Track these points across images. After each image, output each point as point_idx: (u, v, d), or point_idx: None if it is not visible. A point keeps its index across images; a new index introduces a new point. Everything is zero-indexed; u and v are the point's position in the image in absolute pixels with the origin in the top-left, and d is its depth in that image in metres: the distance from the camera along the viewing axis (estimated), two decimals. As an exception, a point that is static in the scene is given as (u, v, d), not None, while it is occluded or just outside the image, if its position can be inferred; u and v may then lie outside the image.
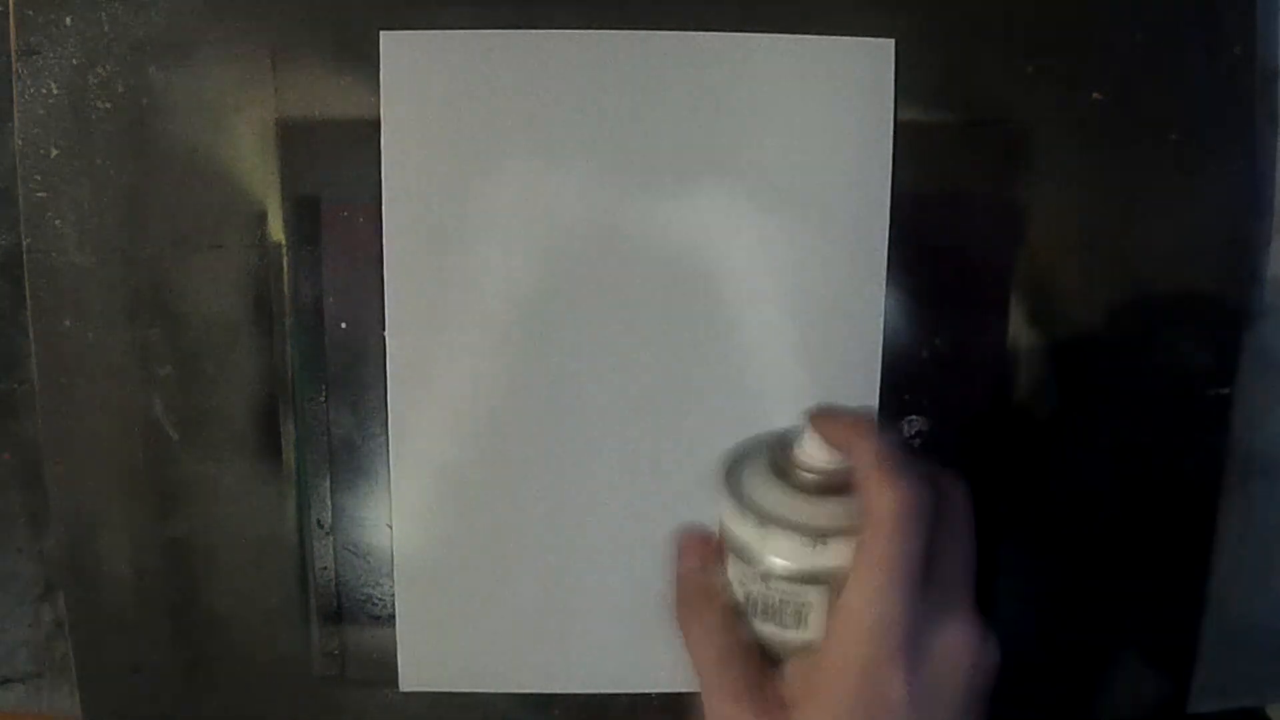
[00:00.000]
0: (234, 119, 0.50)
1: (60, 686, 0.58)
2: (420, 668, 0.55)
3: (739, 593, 0.37)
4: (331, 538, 0.54)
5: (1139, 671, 0.58)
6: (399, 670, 0.56)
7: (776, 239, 0.52)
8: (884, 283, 0.52)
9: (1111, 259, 0.53)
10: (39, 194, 0.50)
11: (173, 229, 0.51)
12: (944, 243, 0.52)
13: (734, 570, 0.37)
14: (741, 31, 0.50)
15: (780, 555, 0.35)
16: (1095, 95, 0.51)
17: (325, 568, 0.54)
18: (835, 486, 0.36)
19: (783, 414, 0.53)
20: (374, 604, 0.55)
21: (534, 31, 0.50)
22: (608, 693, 0.56)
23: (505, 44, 0.50)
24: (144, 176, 0.50)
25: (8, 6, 0.49)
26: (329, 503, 0.54)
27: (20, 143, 0.50)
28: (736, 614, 0.37)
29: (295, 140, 0.50)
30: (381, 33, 0.49)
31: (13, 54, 0.49)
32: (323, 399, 0.53)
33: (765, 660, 0.36)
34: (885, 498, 0.33)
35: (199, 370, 0.52)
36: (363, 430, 0.53)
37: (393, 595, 0.55)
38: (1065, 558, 0.56)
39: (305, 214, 0.51)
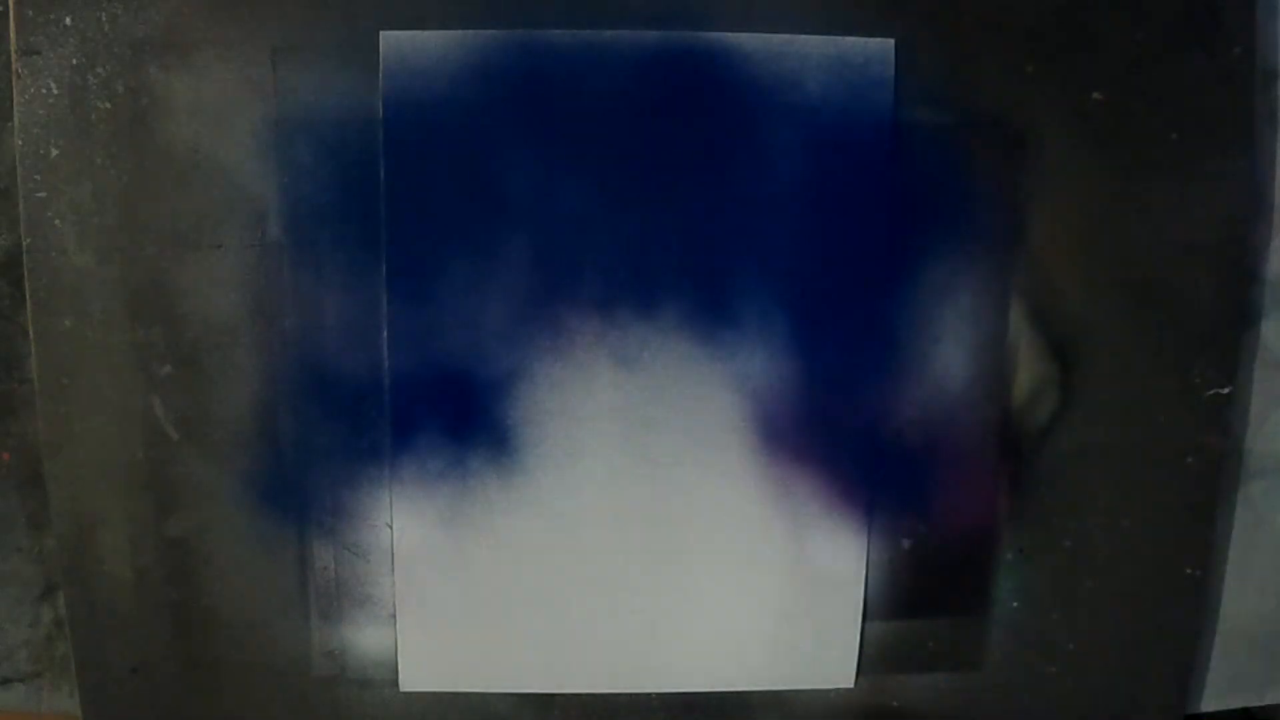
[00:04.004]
0: (234, 119, 0.50)
1: (60, 686, 0.58)
2: (420, 668, 0.56)
3: None
4: (331, 538, 0.54)
5: (1139, 671, 0.58)
6: (399, 670, 0.56)
7: (776, 239, 0.52)
8: (884, 283, 0.52)
9: (1111, 259, 0.53)
10: (39, 194, 0.50)
11: (173, 229, 0.51)
12: (944, 242, 0.52)
13: None
14: (741, 31, 0.50)
15: None
16: (1095, 95, 0.51)
17: (325, 568, 0.54)
18: None
19: (783, 414, 0.53)
20: (374, 604, 0.55)
21: (534, 32, 0.50)
22: (608, 693, 0.56)
23: (505, 44, 0.50)
24: (144, 176, 0.50)
25: (8, 6, 0.49)
26: (329, 503, 0.54)
27: (20, 143, 0.50)
28: None
29: (295, 140, 0.50)
30: (381, 33, 0.49)
31: (13, 54, 0.49)
32: (323, 399, 0.53)
33: None
34: None
35: (199, 370, 0.52)
36: (362, 431, 0.53)
37: (393, 595, 0.55)
38: (1065, 558, 0.56)
39: (305, 214, 0.51)
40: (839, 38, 0.50)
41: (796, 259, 0.52)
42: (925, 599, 0.56)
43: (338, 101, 0.50)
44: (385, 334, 0.52)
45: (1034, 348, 0.54)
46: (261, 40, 0.50)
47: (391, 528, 0.54)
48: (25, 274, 0.51)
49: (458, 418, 0.53)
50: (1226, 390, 0.54)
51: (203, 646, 0.55)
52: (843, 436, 0.54)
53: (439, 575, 0.54)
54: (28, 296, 0.51)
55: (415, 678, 0.56)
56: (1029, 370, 0.54)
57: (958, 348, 0.53)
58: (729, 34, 0.50)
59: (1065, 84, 0.51)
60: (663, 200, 0.51)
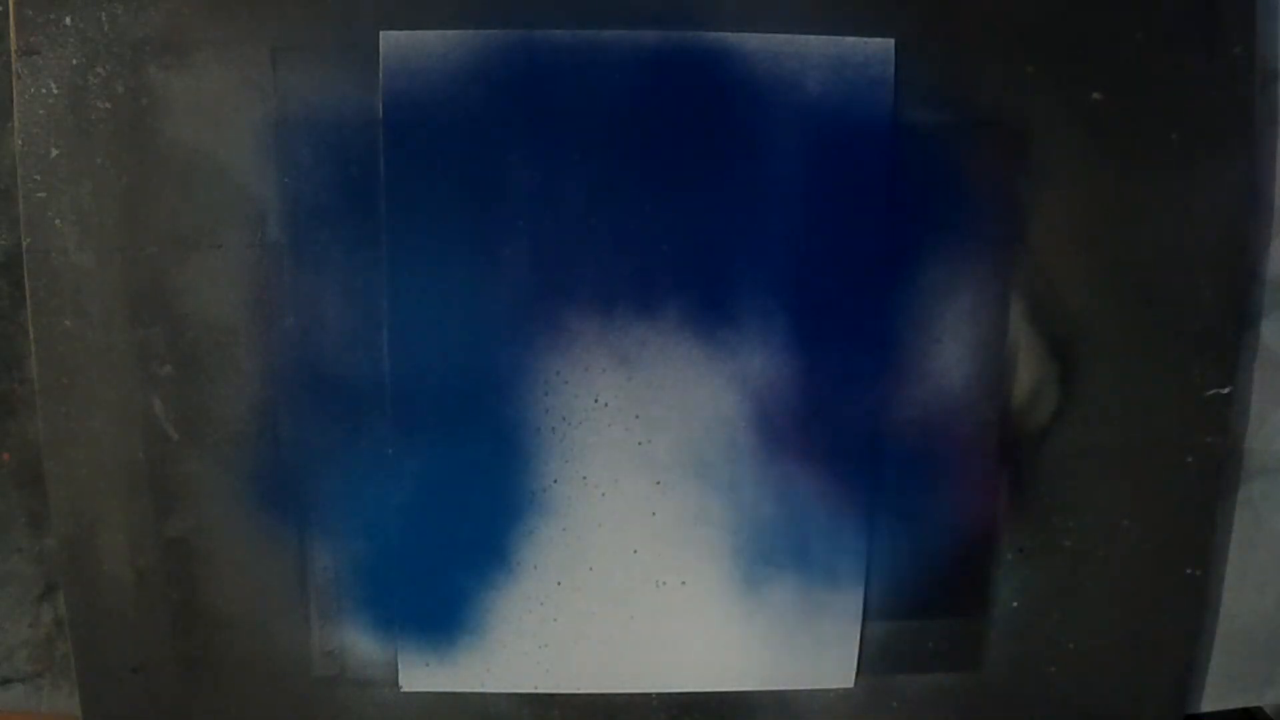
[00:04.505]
0: (234, 119, 0.50)
1: (60, 686, 0.58)
2: (420, 668, 0.56)
3: None
4: (331, 538, 0.54)
5: (1139, 671, 0.58)
6: (399, 670, 0.56)
7: (776, 239, 0.52)
8: (884, 283, 0.52)
9: (1111, 259, 0.53)
10: (39, 194, 0.50)
11: (173, 229, 0.51)
12: (944, 242, 0.52)
13: None
14: (741, 31, 0.50)
15: None
16: (1095, 95, 0.51)
17: (325, 568, 0.54)
18: None
19: (783, 414, 0.53)
20: (374, 604, 0.55)
21: (534, 32, 0.50)
22: (608, 693, 0.56)
23: (505, 44, 0.50)
24: (144, 176, 0.50)
25: (8, 6, 0.49)
26: (329, 503, 0.54)
27: (20, 143, 0.50)
28: None
29: (295, 140, 0.50)
30: (381, 33, 0.49)
31: (13, 54, 0.49)
32: (323, 398, 0.53)
33: None
34: None
35: (199, 370, 0.52)
36: (362, 431, 0.53)
37: (393, 595, 0.55)
38: (1065, 558, 0.56)
39: (305, 214, 0.51)
40: (839, 38, 0.50)
41: (796, 259, 0.52)
42: (925, 599, 0.56)
43: (338, 101, 0.50)
44: (385, 334, 0.52)
45: (1034, 348, 0.54)
46: (261, 40, 0.50)
47: (392, 528, 0.54)
48: (25, 274, 0.51)
49: (457, 417, 0.53)
50: (1226, 390, 0.54)
51: (203, 646, 0.55)
52: (843, 436, 0.54)
53: (439, 575, 0.54)
54: (28, 296, 0.51)
55: (415, 678, 0.56)
56: (1029, 370, 0.54)
57: (958, 348, 0.53)
58: (729, 34, 0.50)
59: (1065, 84, 0.51)
60: (663, 200, 0.51)
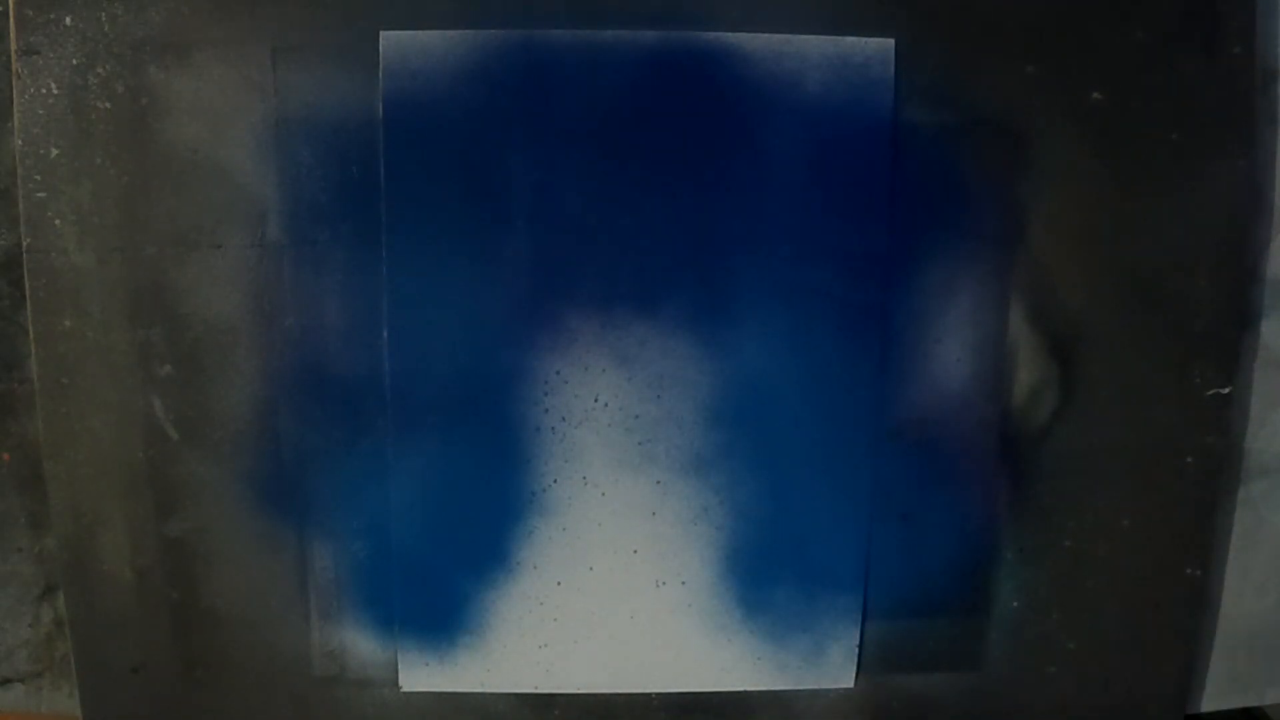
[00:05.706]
0: (234, 119, 0.50)
1: (60, 686, 0.58)
2: (420, 668, 0.56)
3: None
4: (331, 538, 0.54)
5: (1139, 671, 0.58)
6: (399, 670, 0.56)
7: (775, 238, 0.52)
8: (884, 283, 0.52)
9: (1111, 259, 0.53)
10: (39, 194, 0.50)
11: (173, 229, 0.51)
12: (944, 242, 0.52)
13: None
14: (741, 31, 0.50)
15: None
16: (1095, 95, 0.51)
17: (325, 568, 0.54)
18: None
19: (782, 415, 0.53)
20: (374, 604, 0.55)
21: (534, 32, 0.50)
22: (608, 693, 0.56)
23: (505, 44, 0.50)
24: (144, 176, 0.50)
25: (8, 6, 0.49)
26: (329, 503, 0.54)
27: (20, 143, 0.50)
28: None
29: (295, 140, 0.50)
30: (381, 33, 0.49)
31: (13, 54, 0.49)
32: (323, 398, 0.53)
33: None
34: None
35: (199, 370, 0.52)
36: (362, 431, 0.53)
37: (393, 595, 0.55)
38: (1065, 558, 0.56)
39: (305, 214, 0.51)
40: (839, 38, 0.50)
41: (796, 258, 0.52)
42: (925, 599, 0.56)
43: (338, 101, 0.50)
44: (385, 334, 0.52)
45: (1034, 348, 0.54)
46: (261, 40, 0.50)
47: (392, 528, 0.54)
48: (25, 274, 0.51)
49: (457, 417, 0.53)
50: (1226, 390, 0.54)
51: (203, 646, 0.55)
52: (843, 436, 0.54)
53: (439, 575, 0.54)
54: (28, 296, 0.51)
55: (415, 678, 0.56)
56: (1029, 370, 0.54)
57: (958, 348, 0.53)
58: (729, 34, 0.50)
59: (1065, 84, 0.51)
60: (662, 200, 0.51)
